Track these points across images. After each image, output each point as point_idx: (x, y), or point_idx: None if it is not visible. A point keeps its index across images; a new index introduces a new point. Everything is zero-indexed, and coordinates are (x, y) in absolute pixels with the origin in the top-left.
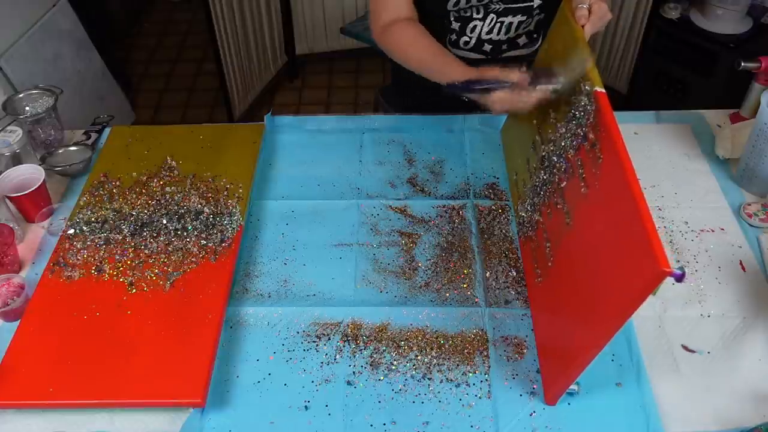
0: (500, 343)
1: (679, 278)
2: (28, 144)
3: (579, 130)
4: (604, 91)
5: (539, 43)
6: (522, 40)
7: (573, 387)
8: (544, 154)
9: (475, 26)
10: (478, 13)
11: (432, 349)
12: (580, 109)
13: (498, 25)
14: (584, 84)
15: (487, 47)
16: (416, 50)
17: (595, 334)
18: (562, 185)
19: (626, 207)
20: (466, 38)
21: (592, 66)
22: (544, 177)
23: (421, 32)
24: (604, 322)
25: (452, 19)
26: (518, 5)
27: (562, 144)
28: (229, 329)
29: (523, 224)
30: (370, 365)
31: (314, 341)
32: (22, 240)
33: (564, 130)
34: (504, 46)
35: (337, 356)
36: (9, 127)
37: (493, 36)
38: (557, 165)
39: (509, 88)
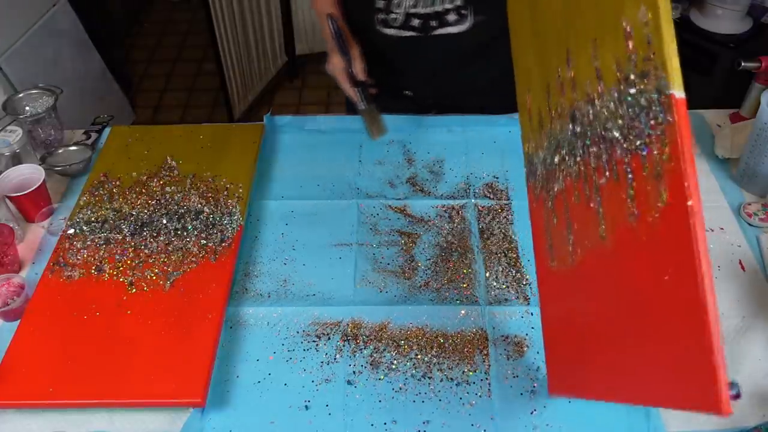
0: (500, 342)
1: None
2: (28, 144)
3: (636, 124)
4: (684, 97)
5: (470, 21)
6: (451, 17)
7: None
8: (574, 109)
9: (400, 1)
10: None
11: (432, 348)
12: (643, 102)
13: None
14: (656, 69)
15: (416, 22)
16: None
17: (616, 385)
18: (601, 182)
19: (687, 313)
20: (393, 15)
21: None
22: (573, 145)
23: None
24: (629, 387)
25: None
26: None
27: (606, 121)
28: (229, 329)
29: (535, 176)
30: (370, 365)
31: (314, 341)
32: (22, 240)
33: (611, 103)
34: (433, 23)
35: (337, 356)
36: (9, 127)
37: (419, 9)
38: (593, 147)
39: (346, 61)
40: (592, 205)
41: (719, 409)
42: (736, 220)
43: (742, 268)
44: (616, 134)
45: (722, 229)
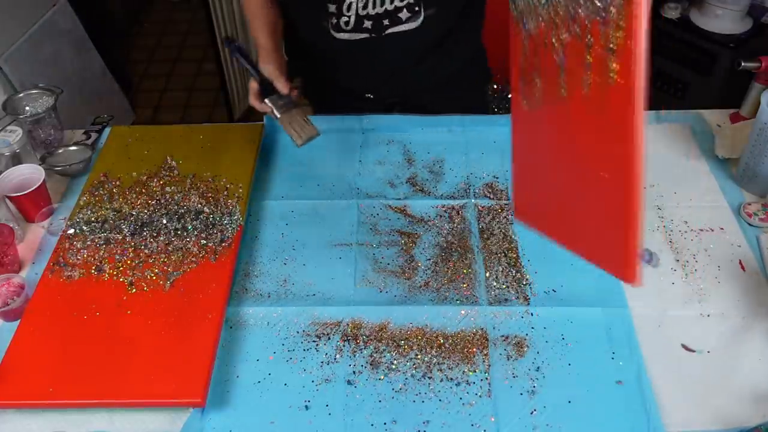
0: (500, 342)
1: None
2: (28, 144)
3: None
4: None
5: (422, 17)
6: (404, 15)
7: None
8: None
9: (351, 4)
10: None
11: (432, 348)
12: None
13: None
14: None
15: (368, 24)
16: (249, 6)
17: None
18: (564, 37)
19: (620, 189)
20: (345, 18)
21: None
22: None
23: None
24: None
25: (326, 0)
26: None
27: None
28: (229, 329)
29: (516, 6)
30: (370, 365)
31: (314, 341)
32: (22, 240)
33: None
34: (386, 22)
35: (337, 356)
36: (9, 127)
37: (370, 10)
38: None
39: (257, 80)
40: (556, 58)
41: (628, 276)
42: (736, 220)
43: (742, 268)
44: None
45: (722, 229)
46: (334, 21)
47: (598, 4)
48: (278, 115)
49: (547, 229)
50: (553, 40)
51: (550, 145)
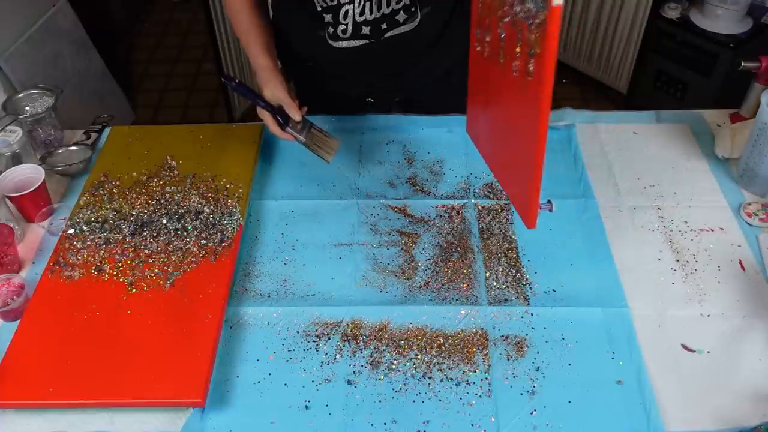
0: (500, 342)
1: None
2: (28, 144)
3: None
4: (561, 4)
5: (419, 17)
6: (401, 17)
7: None
8: None
9: (347, 11)
10: None
11: (432, 348)
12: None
13: (368, 3)
14: None
15: (366, 30)
16: (240, 24)
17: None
18: (505, 20)
19: (529, 156)
20: (342, 26)
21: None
22: None
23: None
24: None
25: (320, 10)
26: None
27: None
28: (229, 329)
29: None
30: (370, 365)
31: (314, 341)
32: (22, 240)
33: None
34: (384, 26)
35: (337, 356)
36: (9, 127)
37: (368, 16)
38: None
39: (269, 111)
40: (499, 32)
41: (529, 223)
42: (736, 220)
43: (742, 268)
44: None
45: (722, 229)
46: (331, 30)
47: (529, 7)
48: (304, 140)
49: (485, 155)
50: (499, 14)
51: (492, 92)
